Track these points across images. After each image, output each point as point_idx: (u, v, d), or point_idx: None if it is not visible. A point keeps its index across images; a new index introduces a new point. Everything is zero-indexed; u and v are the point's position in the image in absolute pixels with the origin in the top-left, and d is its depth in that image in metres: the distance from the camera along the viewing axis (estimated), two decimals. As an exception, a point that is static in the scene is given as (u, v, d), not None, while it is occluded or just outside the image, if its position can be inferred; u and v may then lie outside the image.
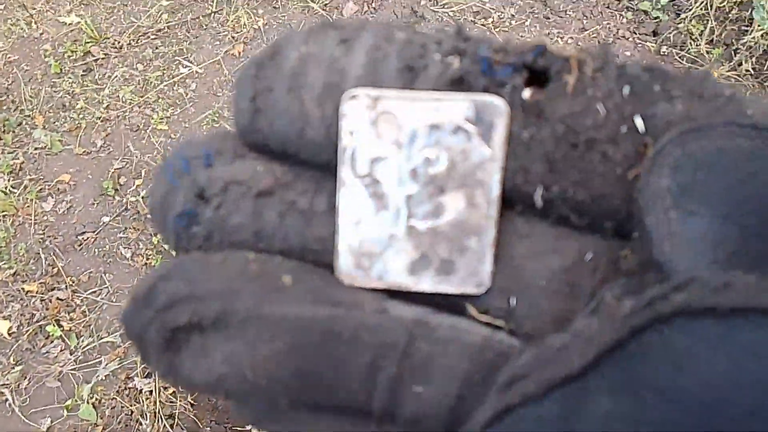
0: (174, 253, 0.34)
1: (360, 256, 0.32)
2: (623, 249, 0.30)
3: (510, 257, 0.32)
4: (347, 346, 0.28)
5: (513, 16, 2.13)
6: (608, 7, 2.10)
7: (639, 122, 0.29)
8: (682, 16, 2.05)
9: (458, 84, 0.30)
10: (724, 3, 2.01)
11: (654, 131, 0.28)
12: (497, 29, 2.12)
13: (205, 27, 2.28)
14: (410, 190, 0.31)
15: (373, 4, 2.20)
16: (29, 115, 2.15)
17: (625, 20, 2.08)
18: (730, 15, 2.01)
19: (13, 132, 2.13)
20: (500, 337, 0.28)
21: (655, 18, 2.08)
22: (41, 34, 2.32)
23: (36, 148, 2.10)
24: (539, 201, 0.31)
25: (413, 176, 0.31)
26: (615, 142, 0.29)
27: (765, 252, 0.23)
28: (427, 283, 0.32)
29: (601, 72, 0.29)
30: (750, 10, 1.94)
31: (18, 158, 2.09)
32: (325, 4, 2.26)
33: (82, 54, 2.26)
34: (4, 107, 2.18)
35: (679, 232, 0.25)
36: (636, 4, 2.09)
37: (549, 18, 2.10)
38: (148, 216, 0.37)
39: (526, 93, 0.29)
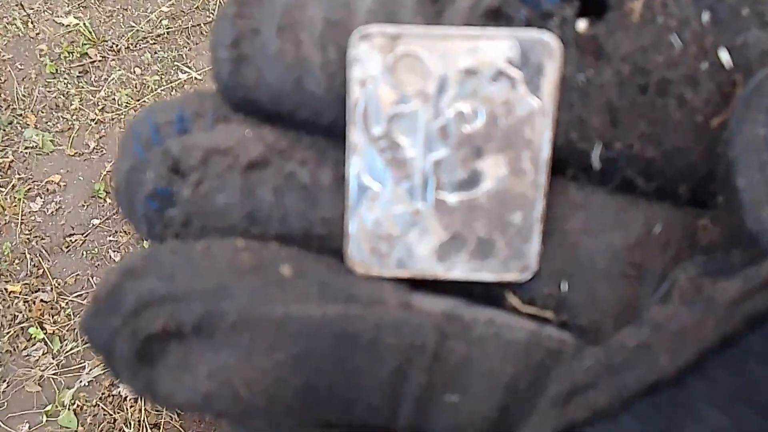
0: (146, 244, 0.29)
1: (376, 240, 0.27)
2: (701, 218, 0.26)
3: (562, 233, 0.27)
4: (365, 351, 0.24)
5: None
6: None
7: (724, 56, 0.24)
8: None
9: (494, 18, 0.26)
10: None
11: (745, 66, 0.24)
12: None
13: (205, 34, 2.28)
14: (439, 155, 0.26)
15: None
16: (21, 114, 2.12)
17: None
18: None
19: (4, 130, 2.09)
20: (549, 332, 0.24)
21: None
22: (37, 34, 2.29)
23: (26, 147, 2.06)
24: (597, 162, 0.26)
25: (443, 136, 0.26)
26: (694, 83, 0.24)
27: None
28: (460, 270, 0.27)
29: None
30: None
31: (7, 156, 2.05)
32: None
33: (78, 55, 2.23)
34: (-5, 105, 2.15)
35: None
36: None
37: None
38: (115, 198, 0.29)
39: (581, 25, 0.25)
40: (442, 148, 0.26)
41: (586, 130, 0.25)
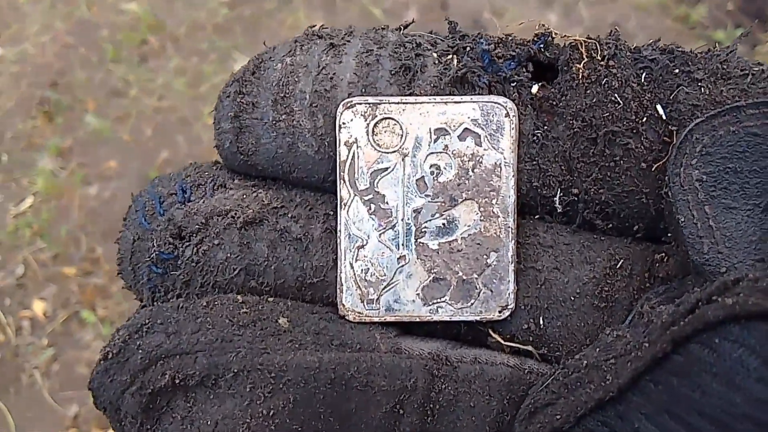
0: (145, 304, 0.29)
1: (366, 286, 0.29)
2: (658, 252, 0.27)
3: (534, 271, 0.29)
4: (361, 394, 0.25)
5: (579, 35, 2.07)
6: (680, 35, 2.03)
7: (660, 110, 0.27)
8: (757, 48, 1.97)
9: (460, 83, 0.28)
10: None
11: (678, 118, 0.26)
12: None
13: (262, 25, 2.27)
14: (418, 204, 0.29)
15: (435, 13, 2.17)
16: (81, 100, 2.16)
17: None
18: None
19: (65, 115, 2.13)
20: (530, 366, 0.26)
21: (728, 49, 2.01)
22: (100, 19, 2.33)
23: (86, 133, 2.11)
24: (559, 206, 0.29)
25: (420, 187, 0.29)
26: (637, 134, 0.27)
27: None
28: (444, 312, 0.29)
29: (614, 59, 0.27)
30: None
31: (67, 141, 2.09)
32: (385, 10, 2.23)
33: (138, 42, 2.26)
34: (58, 89, 2.20)
35: (717, 229, 0.22)
36: (710, 34, 2.02)
37: (615, 41, 2.04)
38: (118, 267, 0.32)
39: (535, 88, 0.28)
40: (421, 198, 0.29)
41: (547, 178, 0.28)
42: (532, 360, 0.26)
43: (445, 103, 0.27)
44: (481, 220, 0.28)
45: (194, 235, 0.28)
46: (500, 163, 0.27)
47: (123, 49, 2.25)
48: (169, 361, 0.24)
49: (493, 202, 0.28)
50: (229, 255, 0.27)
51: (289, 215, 0.28)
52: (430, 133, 0.27)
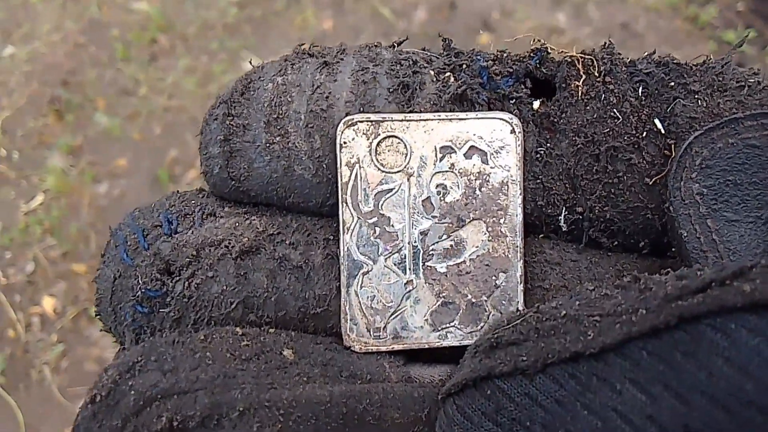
0: (127, 344, 0.27)
1: (372, 314, 0.27)
2: (664, 266, 0.26)
3: (542, 290, 0.28)
4: (373, 428, 0.24)
5: (588, 35, 2.07)
6: (690, 36, 2.03)
7: (658, 124, 0.27)
8: (767, 49, 1.96)
9: (460, 101, 0.27)
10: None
11: (677, 131, 0.26)
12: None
13: (272, 24, 2.28)
14: (425, 225, 0.28)
15: (443, 13, 2.17)
16: (92, 98, 2.18)
17: (707, 50, 2.00)
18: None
19: (75, 113, 2.15)
20: None
21: (740, 50, 2.00)
22: (110, 18, 2.34)
23: (96, 131, 2.12)
24: (564, 224, 0.28)
25: (427, 208, 0.28)
26: (638, 149, 0.26)
27: None
28: (454, 338, 0.28)
29: (610, 74, 0.27)
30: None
31: (78, 139, 2.11)
32: (394, 10, 2.23)
33: (148, 42, 2.27)
34: (69, 88, 2.21)
35: (720, 242, 0.22)
36: (720, 35, 2.01)
37: (626, 42, 2.04)
38: (96, 308, 0.29)
39: (536, 104, 0.27)
40: (427, 220, 0.28)
41: (551, 197, 0.27)
42: None
43: (450, 120, 0.27)
44: (489, 240, 0.27)
45: (185, 268, 0.26)
46: (507, 181, 0.27)
47: (133, 48, 2.27)
48: (165, 401, 0.22)
49: (501, 221, 0.27)
50: (225, 287, 0.26)
51: (287, 242, 0.27)
52: (436, 151, 0.27)
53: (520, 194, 0.27)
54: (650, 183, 0.26)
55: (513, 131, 0.26)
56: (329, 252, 0.28)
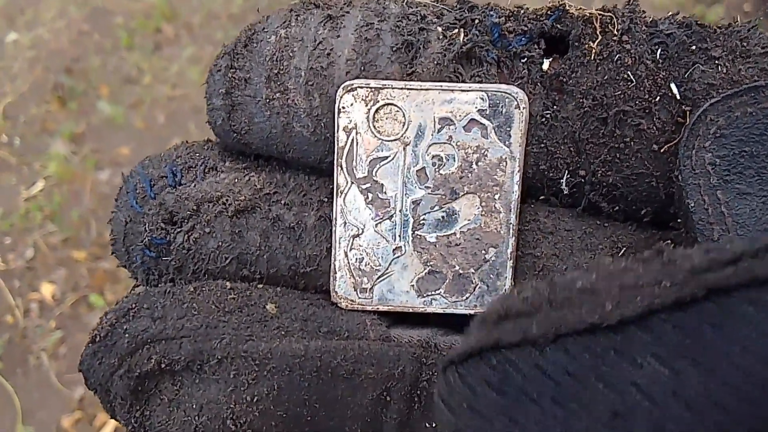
0: (139, 284, 0.30)
1: (360, 275, 0.28)
2: (664, 239, 0.26)
3: (533, 258, 0.28)
4: (347, 382, 0.25)
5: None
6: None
7: (674, 89, 0.26)
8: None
9: (466, 59, 0.27)
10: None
11: (693, 98, 0.25)
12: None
13: (277, 15, 2.28)
14: (417, 195, 0.28)
15: None
16: (95, 86, 2.17)
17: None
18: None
19: (78, 101, 2.14)
20: None
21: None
22: (115, 6, 2.34)
23: (99, 119, 2.11)
24: (566, 187, 0.28)
25: (421, 178, 0.28)
26: (649, 114, 0.26)
27: None
28: (438, 305, 0.28)
29: (628, 34, 0.26)
30: None
31: (81, 126, 2.10)
32: None
33: (152, 30, 2.27)
34: (72, 75, 2.20)
35: (728, 215, 0.21)
36: None
37: None
38: (112, 248, 0.32)
39: (545, 64, 0.27)
40: (421, 190, 0.28)
41: (554, 161, 0.27)
42: None
43: (452, 90, 0.26)
44: (481, 215, 0.27)
45: (185, 221, 0.27)
46: (506, 158, 0.26)
47: (137, 36, 2.26)
48: (154, 345, 0.24)
49: (496, 197, 0.27)
50: (220, 244, 0.27)
51: (282, 202, 0.28)
52: (434, 122, 0.26)
53: (519, 172, 0.26)
54: (659, 150, 0.25)
55: (518, 106, 0.26)
56: (322, 214, 0.28)
